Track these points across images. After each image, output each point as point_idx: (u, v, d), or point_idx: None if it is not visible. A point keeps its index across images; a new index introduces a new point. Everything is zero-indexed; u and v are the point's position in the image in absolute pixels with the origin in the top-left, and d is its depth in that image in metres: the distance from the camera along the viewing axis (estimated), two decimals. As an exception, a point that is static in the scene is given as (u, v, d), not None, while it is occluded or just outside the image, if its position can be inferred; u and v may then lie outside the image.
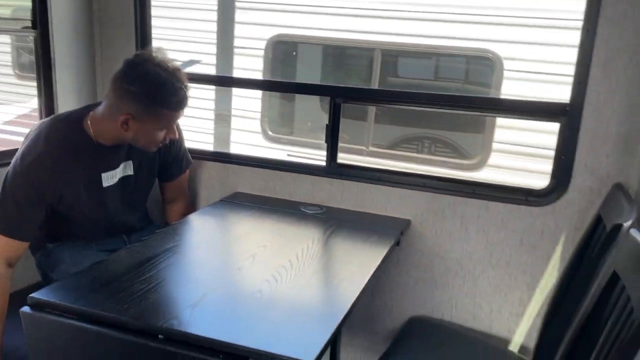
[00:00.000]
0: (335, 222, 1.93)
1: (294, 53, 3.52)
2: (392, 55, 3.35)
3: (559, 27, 2.77)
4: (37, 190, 1.67)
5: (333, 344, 1.37)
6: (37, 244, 1.88)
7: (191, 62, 3.40)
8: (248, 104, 3.64)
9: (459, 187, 1.97)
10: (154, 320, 1.18)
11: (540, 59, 2.83)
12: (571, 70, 1.80)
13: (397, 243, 1.88)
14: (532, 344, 1.91)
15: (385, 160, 3.43)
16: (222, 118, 3.58)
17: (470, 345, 1.92)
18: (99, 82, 2.40)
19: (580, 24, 1.75)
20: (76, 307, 1.23)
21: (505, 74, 2.94)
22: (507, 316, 1.97)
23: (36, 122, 1.87)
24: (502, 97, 1.94)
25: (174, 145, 2.01)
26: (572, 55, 1.80)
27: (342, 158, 2.11)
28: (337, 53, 3.60)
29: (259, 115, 3.61)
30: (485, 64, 3.10)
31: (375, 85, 3.32)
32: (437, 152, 3.94)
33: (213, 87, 3.43)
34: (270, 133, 3.60)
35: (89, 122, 1.74)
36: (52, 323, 1.24)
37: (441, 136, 3.86)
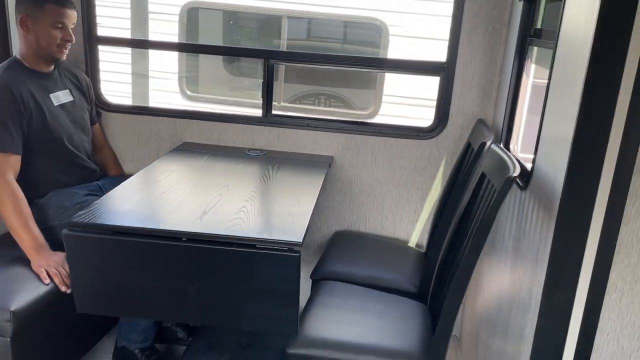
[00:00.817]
0: (276, 161, 2.39)
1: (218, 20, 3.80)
2: (299, 21, 3.79)
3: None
4: (15, 105, 1.98)
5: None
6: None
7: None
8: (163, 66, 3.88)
9: (369, 128, 2.52)
10: (177, 228, 1.58)
11: (417, 25, 3.47)
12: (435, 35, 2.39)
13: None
14: (424, 241, 2.56)
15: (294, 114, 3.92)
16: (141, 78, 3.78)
17: (381, 246, 2.51)
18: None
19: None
20: (111, 225, 1.59)
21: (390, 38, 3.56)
22: (406, 223, 2.59)
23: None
24: (399, 58, 2.47)
25: (90, 92, 2.41)
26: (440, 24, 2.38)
27: (257, 112, 2.55)
28: (249, 18, 3.94)
29: (175, 76, 3.88)
30: (374, 29, 3.67)
31: (283, 47, 3.75)
32: (331, 106, 4.52)
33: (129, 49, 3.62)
34: (188, 92, 3.89)
35: (18, 57, 2.11)
36: (91, 240, 1.58)
37: (335, 92, 4.43)
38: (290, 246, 1.54)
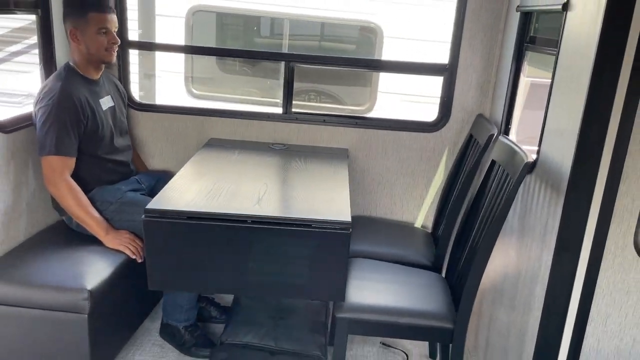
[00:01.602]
0: (299, 153, 2.61)
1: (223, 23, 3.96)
2: (299, 24, 4.00)
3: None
4: (76, 110, 2.15)
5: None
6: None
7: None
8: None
9: (380, 122, 2.77)
10: (241, 212, 1.80)
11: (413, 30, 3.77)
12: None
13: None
14: (429, 222, 2.84)
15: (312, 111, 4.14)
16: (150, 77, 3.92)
17: (393, 228, 2.77)
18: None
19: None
20: (186, 210, 1.79)
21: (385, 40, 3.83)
22: (413, 207, 2.87)
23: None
24: (408, 60, 2.73)
25: (124, 97, 2.59)
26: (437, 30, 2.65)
27: (262, 108, 2.76)
28: (254, 21, 4.12)
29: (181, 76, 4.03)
30: (370, 33, 3.92)
31: (285, 47, 3.96)
32: (322, 102, 4.75)
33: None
34: (194, 91, 4.05)
35: (72, 65, 2.28)
36: (167, 224, 1.78)
37: (325, 89, 4.68)
38: (342, 225, 1.78)
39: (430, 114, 2.81)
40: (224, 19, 4.29)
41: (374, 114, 3.92)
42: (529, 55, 2.39)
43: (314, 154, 2.63)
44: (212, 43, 4.14)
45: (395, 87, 3.96)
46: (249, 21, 4.08)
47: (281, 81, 2.76)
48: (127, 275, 2.10)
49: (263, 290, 1.94)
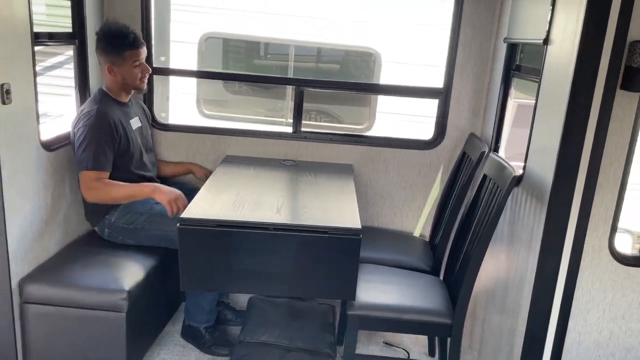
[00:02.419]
0: (309, 169, 2.82)
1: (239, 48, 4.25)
2: (305, 50, 4.27)
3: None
4: (111, 130, 2.36)
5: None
6: (97, 218, 2.50)
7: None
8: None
9: (381, 141, 3.00)
10: (264, 220, 2.01)
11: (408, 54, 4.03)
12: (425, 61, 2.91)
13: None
14: (427, 232, 3.05)
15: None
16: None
17: (393, 236, 2.97)
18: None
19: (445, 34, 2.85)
20: (216, 219, 1.99)
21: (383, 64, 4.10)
22: (411, 218, 3.08)
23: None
24: (407, 85, 2.97)
25: (149, 118, 2.81)
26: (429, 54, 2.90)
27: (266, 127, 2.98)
28: (263, 46, 4.38)
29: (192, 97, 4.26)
30: (369, 58, 4.19)
31: (291, 70, 4.21)
32: (322, 121, 5.00)
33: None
34: (206, 112, 4.28)
35: (105, 89, 2.48)
36: (200, 231, 1.98)
37: (325, 109, 4.93)
38: (353, 232, 1.99)
39: (425, 132, 3.05)
40: (233, 45, 4.55)
41: (373, 132, 4.15)
42: (516, 81, 2.64)
43: (322, 169, 2.84)
44: (221, 67, 4.39)
45: (393, 107, 4.22)
46: (258, 46, 4.34)
47: (285, 101, 2.98)
48: (158, 278, 2.29)
49: (283, 289, 2.14)
